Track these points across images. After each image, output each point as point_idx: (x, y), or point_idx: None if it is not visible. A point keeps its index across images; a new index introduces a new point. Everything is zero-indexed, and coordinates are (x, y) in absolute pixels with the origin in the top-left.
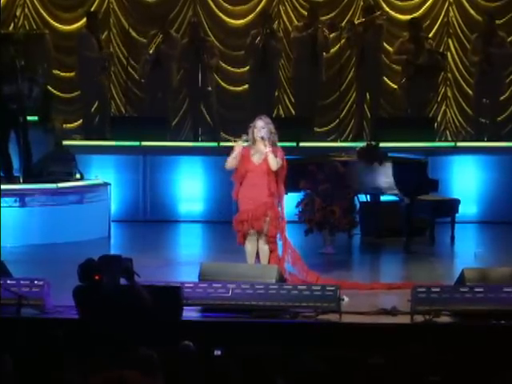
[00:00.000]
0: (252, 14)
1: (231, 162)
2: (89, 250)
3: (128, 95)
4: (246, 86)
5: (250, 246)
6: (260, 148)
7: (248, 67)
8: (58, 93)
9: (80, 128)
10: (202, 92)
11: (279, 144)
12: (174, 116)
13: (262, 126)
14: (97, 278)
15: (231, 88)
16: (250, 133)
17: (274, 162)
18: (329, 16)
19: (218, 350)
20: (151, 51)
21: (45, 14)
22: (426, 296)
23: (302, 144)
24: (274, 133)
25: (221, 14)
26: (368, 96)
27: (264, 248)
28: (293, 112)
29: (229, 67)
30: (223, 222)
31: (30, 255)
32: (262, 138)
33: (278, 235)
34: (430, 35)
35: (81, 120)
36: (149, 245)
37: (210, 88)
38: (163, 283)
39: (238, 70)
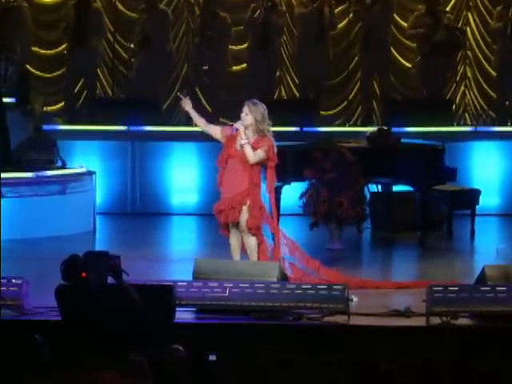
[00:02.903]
0: None
1: (202, 124)
2: (72, 245)
3: (115, 75)
4: (245, 65)
5: (233, 240)
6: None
7: (247, 44)
8: (37, 72)
9: (62, 111)
10: (205, 72)
11: (282, 128)
12: (165, 98)
13: (245, 113)
14: (83, 275)
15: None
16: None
17: (251, 155)
18: None
19: (213, 354)
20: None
21: None
22: (443, 296)
23: (306, 128)
24: (262, 120)
25: None
26: (378, 76)
27: (248, 241)
28: (296, 93)
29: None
30: None
31: (7, 251)
32: (237, 130)
33: (266, 227)
34: (448, 9)
35: (63, 102)
36: (138, 240)
37: (206, 67)
38: (154, 282)
39: (237, 47)
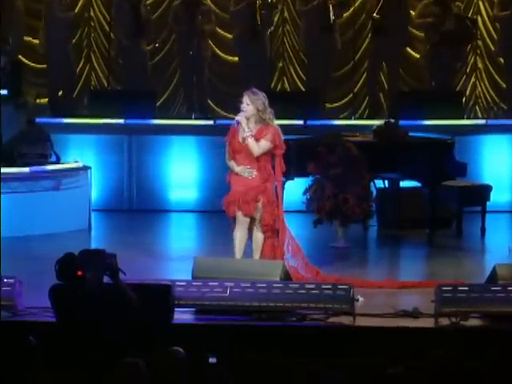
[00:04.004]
0: None
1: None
2: (66, 243)
3: (111, 66)
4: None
5: (238, 233)
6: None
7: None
8: (30, 63)
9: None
10: (195, 61)
11: (286, 121)
12: (163, 90)
13: (246, 103)
14: (79, 274)
15: (226, 56)
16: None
17: (255, 148)
18: None
19: (214, 357)
20: None
21: None
22: (453, 296)
23: (310, 122)
24: (263, 109)
25: None
26: (386, 67)
27: (258, 236)
28: (300, 85)
29: (224, 32)
30: (220, 212)
31: None
32: (238, 123)
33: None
34: None
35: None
36: (135, 238)
37: (191, 52)
38: (152, 281)
39: (231, 37)
